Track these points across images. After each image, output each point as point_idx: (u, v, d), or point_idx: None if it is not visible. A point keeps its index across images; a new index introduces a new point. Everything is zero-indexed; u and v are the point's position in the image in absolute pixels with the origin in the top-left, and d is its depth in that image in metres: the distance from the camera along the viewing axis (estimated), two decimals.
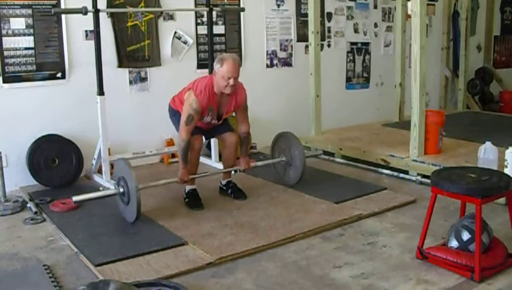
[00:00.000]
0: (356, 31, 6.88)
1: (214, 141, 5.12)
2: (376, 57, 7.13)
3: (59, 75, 4.79)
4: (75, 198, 3.70)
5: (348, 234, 3.57)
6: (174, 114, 4.10)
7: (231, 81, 3.80)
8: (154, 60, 5.31)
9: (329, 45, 6.61)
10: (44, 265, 3.10)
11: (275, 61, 6.20)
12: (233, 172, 4.43)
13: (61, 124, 4.77)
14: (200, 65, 5.55)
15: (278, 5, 6.14)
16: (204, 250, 3.24)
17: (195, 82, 3.95)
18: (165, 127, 4.85)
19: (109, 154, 4.63)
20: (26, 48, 4.60)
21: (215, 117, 4.01)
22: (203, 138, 4.18)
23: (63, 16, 4.71)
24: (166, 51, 5.38)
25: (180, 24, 5.43)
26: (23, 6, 4.55)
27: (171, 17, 5.37)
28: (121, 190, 3.73)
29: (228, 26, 5.78)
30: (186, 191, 4.12)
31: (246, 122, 4.17)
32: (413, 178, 4.72)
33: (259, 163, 4.58)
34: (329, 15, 6.57)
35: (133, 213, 3.62)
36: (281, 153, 4.57)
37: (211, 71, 4.26)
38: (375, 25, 7.07)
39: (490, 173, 3.17)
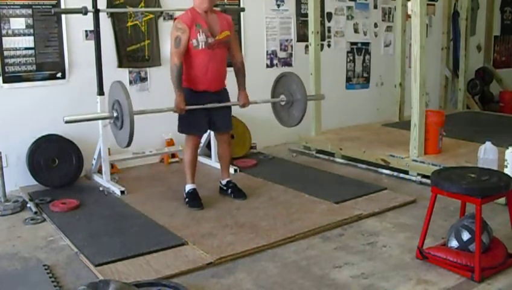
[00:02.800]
0: (356, 31, 6.88)
1: (214, 141, 5.12)
2: (376, 57, 7.13)
3: (59, 75, 4.79)
4: (67, 118, 3.65)
5: (348, 234, 3.57)
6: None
7: None
8: (154, 60, 5.31)
9: (329, 45, 6.61)
10: (44, 265, 3.10)
11: (275, 61, 6.20)
12: (233, 171, 4.42)
13: (61, 124, 4.69)
14: None
15: (278, 5, 6.14)
16: (204, 250, 3.24)
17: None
18: (165, 127, 4.86)
19: (109, 154, 4.64)
20: (26, 48, 4.60)
21: (210, 34, 3.91)
22: (203, 138, 4.16)
23: (63, 16, 4.71)
24: (166, 51, 5.37)
25: None
26: (23, 6, 4.55)
27: (171, 17, 5.37)
28: (115, 114, 3.68)
29: None
30: (186, 191, 4.13)
31: (239, 51, 4.22)
32: (413, 178, 4.72)
33: (259, 101, 4.49)
34: (329, 15, 6.58)
35: (126, 139, 3.58)
36: (280, 95, 4.49)
37: None
38: (375, 25, 7.07)
39: (490, 173, 3.17)
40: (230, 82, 4.21)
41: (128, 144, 3.59)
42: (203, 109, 3.99)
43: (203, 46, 3.88)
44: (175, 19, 4.01)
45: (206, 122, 4.10)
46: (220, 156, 4.32)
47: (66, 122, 3.67)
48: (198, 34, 3.87)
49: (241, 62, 4.17)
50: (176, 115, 4.08)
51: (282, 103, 4.50)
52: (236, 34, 4.15)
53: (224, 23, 4.01)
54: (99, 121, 4.46)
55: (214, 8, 4.08)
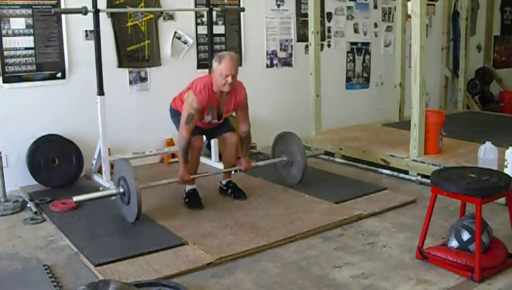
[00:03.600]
0: (356, 31, 6.88)
1: (214, 141, 5.12)
2: (376, 57, 7.13)
3: (59, 75, 4.79)
4: (76, 198, 3.69)
5: (348, 234, 3.57)
6: (175, 114, 4.10)
7: (229, 79, 3.79)
8: (154, 60, 5.31)
9: (329, 45, 6.61)
10: (44, 265, 3.10)
11: (275, 61, 6.20)
12: (233, 172, 4.43)
13: (61, 124, 4.77)
14: (200, 65, 5.55)
15: (278, 5, 6.14)
16: (204, 250, 3.24)
17: (195, 82, 3.95)
18: (165, 127, 4.86)
19: (109, 154, 4.63)
20: (26, 48, 4.60)
21: (216, 116, 4.01)
22: (204, 138, 4.18)
23: (63, 16, 4.71)
24: (166, 51, 5.38)
25: (180, 24, 5.43)
26: (23, 6, 4.55)
27: (171, 17, 5.37)
28: (121, 189, 3.73)
29: (228, 26, 5.78)
30: (186, 191, 4.12)
31: (247, 121, 4.16)
32: (413, 178, 4.72)
33: (260, 163, 4.57)
34: (329, 15, 6.58)
35: (134, 213, 3.62)
36: (281, 154, 4.57)
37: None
38: (375, 25, 7.07)
39: (490, 173, 3.17)
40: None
41: (136, 219, 3.63)
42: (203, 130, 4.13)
43: (209, 120, 4.01)
44: (191, 88, 3.89)
45: (208, 132, 4.21)
46: (225, 160, 4.31)
47: (75, 202, 3.74)
48: (206, 115, 3.95)
49: (248, 132, 4.17)
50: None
51: (283, 163, 4.58)
52: (247, 105, 4.10)
53: (233, 102, 4.00)
54: (99, 121, 4.45)
55: None
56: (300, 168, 4.43)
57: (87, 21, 4.42)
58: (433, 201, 3.10)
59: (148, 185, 3.95)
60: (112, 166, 4.78)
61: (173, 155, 5.39)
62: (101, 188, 4.47)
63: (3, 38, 4.49)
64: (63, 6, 4.68)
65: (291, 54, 6.31)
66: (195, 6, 5.47)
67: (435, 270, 3.00)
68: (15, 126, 4.60)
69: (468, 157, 4.65)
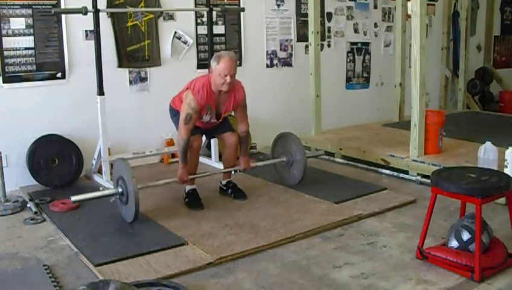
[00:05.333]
0: (356, 31, 6.88)
1: (214, 141, 5.12)
2: (376, 57, 7.13)
3: (59, 75, 4.79)
4: (74, 198, 3.69)
5: (348, 234, 3.57)
6: (175, 114, 4.10)
7: (228, 79, 3.79)
8: (154, 60, 5.31)
9: (329, 45, 6.61)
10: (44, 265, 3.10)
11: (275, 61, 6.20)
12: (233, 172, 4.43)
13: (61, 124, 4.77)
14: (200, 65, 5.55)
15: (278, 5, 6.14)
16: (204, 250, 3.24)
17: (193, 81, 3.95)
18: (165, 127, 4.86)
19: (109, 154, 4.64)
20: (26, 48, 4.60)
21: (214, 116, 4.01)
22: (203, 138, 4.18)
23: (63, 16, 4.71)
24: (166, 51, 5.38)
25: (180, 24, 5.43)
26: (23, 6, 4.55)
27: (171, 17, 5.37)
28: (120, 189, 3.72)
29: (228, 26, 5.78)
30: (186, 191, 4.12)
31: (245, 121, 4.15)
32: (413, 178, 4.72)
33: (260, 163, 4.57)
34: (329, 15, 6.58)
35: (132, 213, 3.62)
36: (281, 155, 4.57)
37: None
38: (375, 25, 7.07)
39: (490, 173, 3.17)
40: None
41: (134, 219, 3.62)
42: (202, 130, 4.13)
43: (208, 120, 4.01)
44: (190, 88, 3.89)
45: (207, 132, 4.21)
46: (224, 160, 4.31)
47: (73, 201, 3.71)
48: (204, 115, 3.94)
49: (247, 131, 4.17)
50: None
51: (283, 163, 4.57)
52: (245, 104, 4.10)
53: (232, 102, 3.99)
54: (99, 121, 4.46)
55: None
56: (300, 168, 4.43)
57: (87, 21, 4.42)
58: (433, 201, 3.10)
59: (146, 185, 3.94)
60: (111, 166, 4.78)
61: (173, 155, 5.39)
62: (101, 188, 4.46)
63: (3, 38, 4.49)
64: (63, 6, 4.68)
65: (291, 54, 6.31)
66: (195, 6, 5.47)
67: (435, 270, 3.00)
68: (15, 126, 4.60)
69: (468, 157, 4.66)
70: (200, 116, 3.93)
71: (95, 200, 4.16)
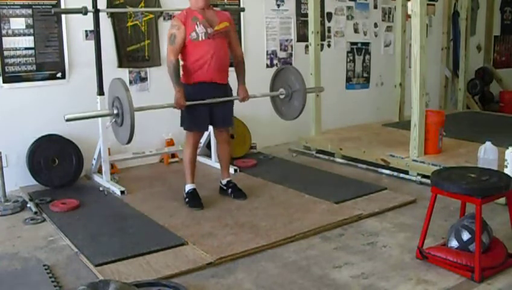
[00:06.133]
0: (356, 31, 6.88)
1: (214, 141, 5.12)
2: (376, 57, 7.13)
3: (59, 75, 4.79)
4: (68, 116, 3.65)
5: (348, 234, 3.57)
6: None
7: None
8: (154, 60, 5.31)
9: (329, 45, 6.61)
10: (44, 265, 3.10)
11: (275, 61, 6.20)
12: (233, 171, 4.42)
13: (61, 124, 4.71)
14: None
15: (278, 5, 6.14)
16: (204, 250, 3.24)
17: None
18: (165, 127, 4.86)
19: (109, 154, 4.64)
20: (26, 48, 4.60)
21: (208, 25, 3.94)
22: (202, 141, 4.16)
23: (63, 16, 4.71)
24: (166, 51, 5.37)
25: None
26: (23, 6, 4.55)
27: (171, 17, 5.37)
28: (115, 111, 3.68)
29: None
30: (186, 191, 4.13)
31: (239, 46, 4.23)
32: (413, 178, 4.72)
33: (258, 95, 4.48)
34: (329, 15, 6.58)
35: (127, 134, 3.58)
36: (280, 88, 4.50)
37: None
38: (375, 25, 7.07)
39: (490, 173, 3.17)
40: (231, 80, 4.21)
41: (129, 141, 3.60)
42: (205, 102, 4.00)
43: (204, 38, 3.91)
44: (173, 17, 4.03)
45: (208, 116, 4.08)
46: (219, 156, 4.33)
47: (67, 120, 3.67)
48: (196, 26, 3.90)
49: (241, 56, 4.19)
50: (177, 115, 4.09)
51: (282, 96, 4.51)
52: (236, 29, 4.16)
53: (222, 16, 4.05)
54: (100, 121, 4.45)
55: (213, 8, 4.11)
56: (300, 97, 4.33)
57: (87, 21, 4.42)
58: (433, 201, 3.10)
59: (142, 107, 3.91)
60: (112, 166, 4.79)
61: (173, 155, 5.40)
62: (101, 188, 4.48)
63: (3, 38, 4.49)
64: (63, 6, 4.68)
65: (291, 54, 6.31)
66: None
67: (435, 270, 3.00)
68: (15, 126, 4.60)
69: (468, 157, 4.65)
70: (194, 32, 3.88)
71: (94, 200, 4.18)
